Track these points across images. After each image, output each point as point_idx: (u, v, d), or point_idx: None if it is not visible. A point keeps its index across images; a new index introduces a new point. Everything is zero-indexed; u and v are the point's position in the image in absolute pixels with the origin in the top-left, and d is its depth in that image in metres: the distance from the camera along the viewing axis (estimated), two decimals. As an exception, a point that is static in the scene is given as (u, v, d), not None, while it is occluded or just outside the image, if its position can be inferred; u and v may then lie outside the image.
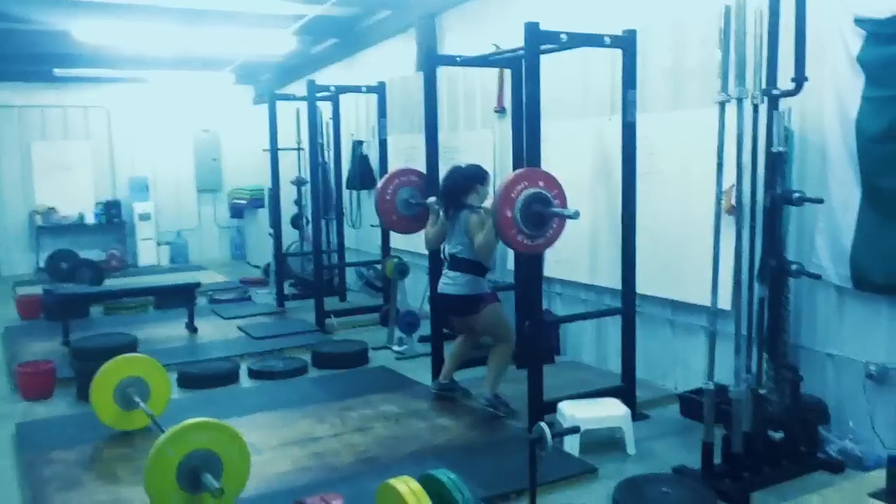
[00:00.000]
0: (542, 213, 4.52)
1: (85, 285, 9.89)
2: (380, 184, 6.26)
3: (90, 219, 13.21)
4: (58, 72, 12.02)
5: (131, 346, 5.89)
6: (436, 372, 5.89)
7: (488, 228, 4.84)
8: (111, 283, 10.64)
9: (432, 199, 5.40)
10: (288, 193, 9.61)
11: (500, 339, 5.24)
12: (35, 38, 10.05)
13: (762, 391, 4.02)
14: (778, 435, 4.05)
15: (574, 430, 3.92)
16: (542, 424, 3.32)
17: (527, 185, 4.51)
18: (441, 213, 5.31)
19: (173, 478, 3.45)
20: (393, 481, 2.97)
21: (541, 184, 4.55)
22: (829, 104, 4.26)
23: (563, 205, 4.62)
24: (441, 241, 5.43)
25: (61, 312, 7.64)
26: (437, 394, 5.47)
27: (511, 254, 6.76)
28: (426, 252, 5.86)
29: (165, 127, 13.99)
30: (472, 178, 5.19)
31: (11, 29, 9.65)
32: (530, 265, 4.99)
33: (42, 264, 12.38)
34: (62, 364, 6.16)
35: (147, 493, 3.50)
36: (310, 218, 9.26)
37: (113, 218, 13.37)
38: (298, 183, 9.60)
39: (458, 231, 5.14)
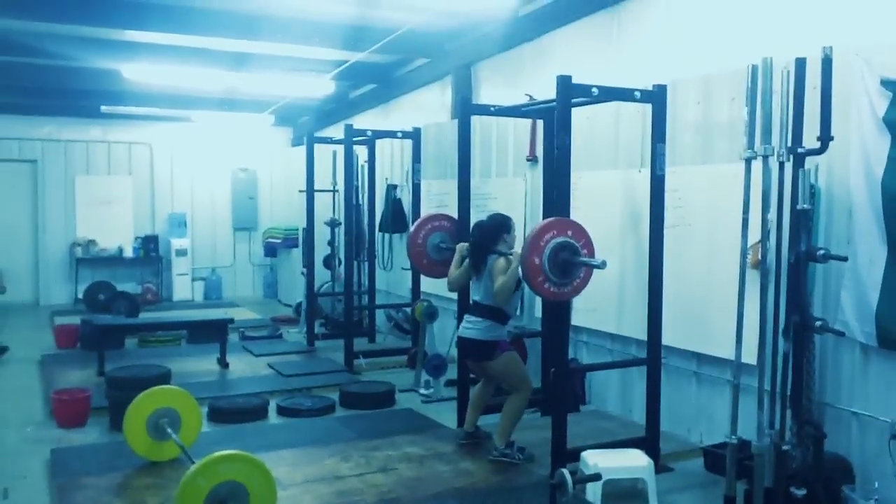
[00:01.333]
0: (569, 262, 4.60)
1: (121, 317, 10.10)
2: (412, 228, 6.39)
3: (128, 252, 13.49)
4: (105, 108, 12.43)
5: (165, 378, 6.02)
6: (461, 417, 5.95)
7: (511, 272, 4.93)
8: (146, 316, 10.84)
9: (463, 245, 5.52)
10: (322, 234, 9.78)
11: (515, 389, 5.27)
12: (85, 76, 10.45)
13: (785, 447, 4.02)
14: (800, 492, 4.03)
15: (595, 477, 3.95)
16: (564, 470, 3.37)
17: (555, 233, 4.60)
18: (466, 260, 5.39)
19: (202, 508, 3.55)
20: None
21: (569, 233, 4.64)
22: (856, 163, 4.32)
23: (591, 254, 4.70)
24: (462, 285, 5.52)
25: (98, 342, 7.83)
26: (462, 443, 5.47)
27: (539, 301, 6.84)
28: (455, 296, 5.96)
29: (205, 165, 14.35)
30: (498, 228, 5.29)
31: (63, 66, 10.05)
32: (558, 313, 5.06)
33: (80, 295, 12.67)
34: (97, 393, 6.31)
35: (175, 522, 3.59)
36: (342, 259, 9.43)
37: (150, 252, 13.65)
38: (332, 224, 9.78)
39: (485, 277, 5.23)
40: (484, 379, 5.51)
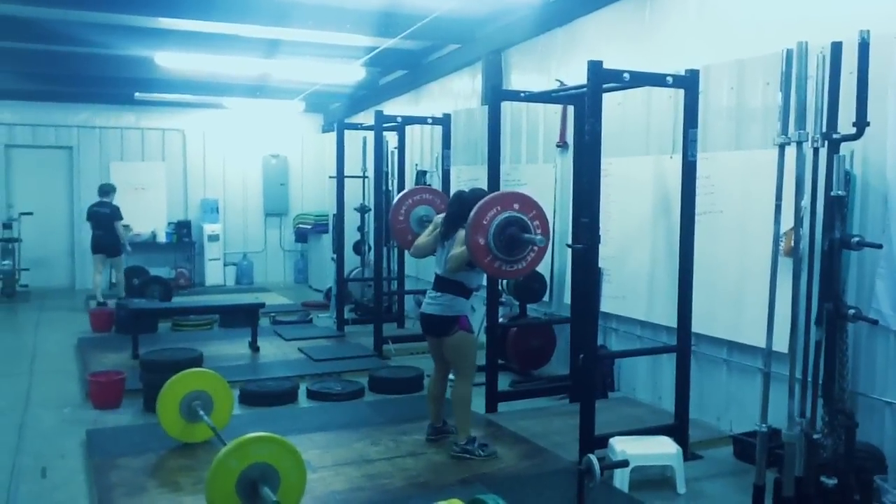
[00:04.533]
0: (514, 238, 4.50)
1: (155, 301, 10.24)
2: (393, 205, 6.32)
3: (162, 237, 13.68)
4: (139, 95, 12.57)
5: (197, 361, 6.11)
6: (489, 402, 5.98)
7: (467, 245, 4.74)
8: (179, 301, 10.98)
9: (440, 217, 5.31)
10: (352, 220, 9.83)
11: (459, 371, 5.09)
12: (119, 63, 10.57)
13: (816, 436, 3.98)
14: (831, 482, 3.99)
15: (623, 463, 3.95)
16: (591, 456, 3.36)
17: (500, 209, 4.51)
18: (438, 230, 5.18)
19: (233, 488, 3.60)
20: (442, 503, 3.05)
21: (516, 206, 4.53)
22: (893, 149, 4.25)
23: (544, 226, 4.61)
24: (426, 254, 5.30)
25: (132, 326, 7.96)
26: (429, 439, 5.29)
27: (568, 287, 6.83)
28: (483, 283, 5.94)
29: (237, 151, 14.48)
30: (477, 202, 4.92)
31: (97, 54, 10.18)
32: (586, 300, 5.04)
33: (114, 279, 12.84)
34: (131, 376, 6.41)
35: (207, 502, 3.64)
36: (372, 245, 9.47)
37: (183, 237, 13.83)
38: (362, 210, 9.82)
39: (447, 249, 5.01)
40: (435, 368, 5.36)
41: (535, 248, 4.64)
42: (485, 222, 4.48)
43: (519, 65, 8.43)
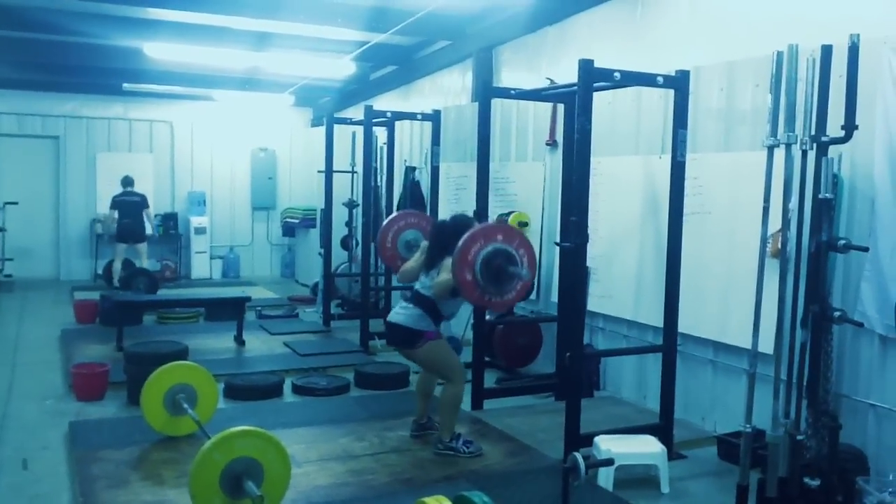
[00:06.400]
0: (502, 270, 4.52)
1: (140, 293, 10.18)
2: (380, 231, 6.36)
3: (148, 229, 13.55)
4: (127, 86, 12.49)
5: (182, 354, 6.06)
6: (475, 400, 5.97)
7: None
8: (165, 293, 10.93)
9: (426, 244, 5.24)
10: (340, 215, 9.79)
11: (448, 379, 5.03)
12: (107, 53, 10.50)
13: (800, 437, 4.00)
14: (815, 483, 4.02)
15: (608, 462, 3.95)
16: (577, 454, 3.37)
17: (483, 243, 4.51)
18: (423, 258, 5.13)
19: (217, 482, 3.58)
20: (427, 499, 3.04)
21: (499, 238, 4.55)
22: (880, 153, 4.27)
23: (530, 256, 4.65)
24: (413, 279, 5.18)
25: (116, 318, 7.91)
26: (413, 435, 5.28)
27: (556, 285, 6.84)
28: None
29: (225, 144, 14.42)
30: (460, 229, 4.77)
31: (85, 44, 10.10)
32: (574, 298, 5.04)
33: (99, 271, 12.78)
34: (115, 368, 6.35)
35: (190, 495, 3.62)
36: (359, 240, 9.45)
37: (170, 230, 13.75)
38: (350, 205, 9.79)
39: (432, 274, 4.96)
40: (422, 369, 5.33)
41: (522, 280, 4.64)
42: (469, 258, 4.48)
43: (510, 62, 8.43)
